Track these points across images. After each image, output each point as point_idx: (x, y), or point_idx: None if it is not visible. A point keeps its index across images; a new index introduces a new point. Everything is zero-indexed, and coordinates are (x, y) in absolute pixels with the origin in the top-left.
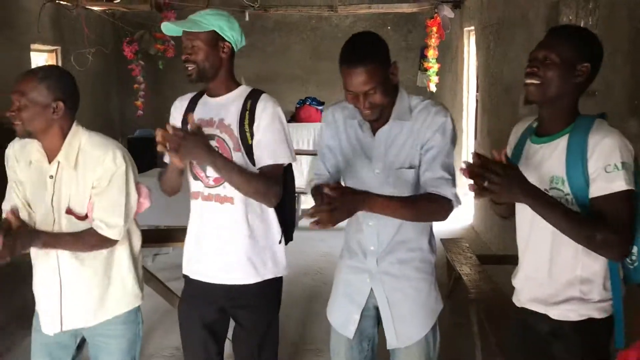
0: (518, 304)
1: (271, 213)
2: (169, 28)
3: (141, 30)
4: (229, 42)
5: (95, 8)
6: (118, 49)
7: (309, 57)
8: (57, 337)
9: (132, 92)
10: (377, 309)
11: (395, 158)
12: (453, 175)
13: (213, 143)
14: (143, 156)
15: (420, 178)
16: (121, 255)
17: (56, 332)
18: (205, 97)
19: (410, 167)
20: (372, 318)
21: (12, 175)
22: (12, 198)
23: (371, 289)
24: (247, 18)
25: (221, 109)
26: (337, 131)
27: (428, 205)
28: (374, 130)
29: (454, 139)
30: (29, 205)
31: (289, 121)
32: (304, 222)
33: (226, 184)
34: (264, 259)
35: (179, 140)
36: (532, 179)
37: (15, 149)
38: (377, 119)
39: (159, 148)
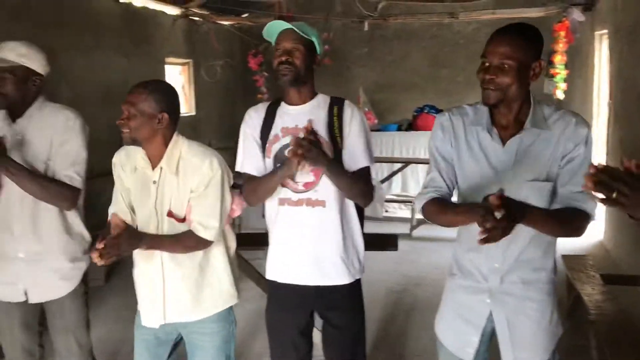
0: None
1: (354, 215)
2: (271, 28)
3: (266, 42)
4: (319, 55)
5: (225, 22)
6: (244, 61)
7: (428, 64)
8: (156, 333)
9: (256, 102)
10: (492, 331)
11: (529, 169)
12: None
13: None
14: None
15: (559, 190)
16: (217, 257)
17: (160, 323)
18: (284, 107)
19: (547, 180)
20: (486, 342)
21: (118, 181)
22: (118, 202)
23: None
24: (366, 28)
25: (306, 117)
26: (456, 138)
27: (574, 221)
28: (502, 139)
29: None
30: (133, 210)
31: (406, 129)
32: (418, 232)
33: (317, 189)
34: (353, 260)
35: (309, 146)
36: None
37: (120, 157)
38: (496, 104)
39: (292, 155)
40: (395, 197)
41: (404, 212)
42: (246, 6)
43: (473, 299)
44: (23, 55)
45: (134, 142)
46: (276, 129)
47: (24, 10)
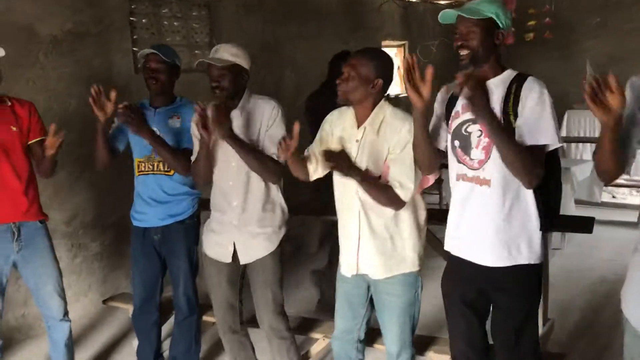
0: None
1: (529, 198)
2: (446, 15)
3: None
4: (503, 30)
5: (441, 2)
6: None
7: None
8: (354, 285)
9: None
10: None
11: None
12: None
13: (476, 127)
14: None
15: None
16: (404, 222)
17: (353, 273)
18: None
19: None
20: None
21: (324, 133)
22: (314, 145)
23: None
24: None
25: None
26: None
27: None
28: None
29: None
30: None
31: None
32: None
33: (485, 167)
34: (518, 244)
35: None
36: None
37: (333, 116)
38: None
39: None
40: (624, 182)
41: (634, 198)
42: None
43: None
44: (235, 55)
45: (347, 102)
46: (458, 105)
47: (255, 7)
